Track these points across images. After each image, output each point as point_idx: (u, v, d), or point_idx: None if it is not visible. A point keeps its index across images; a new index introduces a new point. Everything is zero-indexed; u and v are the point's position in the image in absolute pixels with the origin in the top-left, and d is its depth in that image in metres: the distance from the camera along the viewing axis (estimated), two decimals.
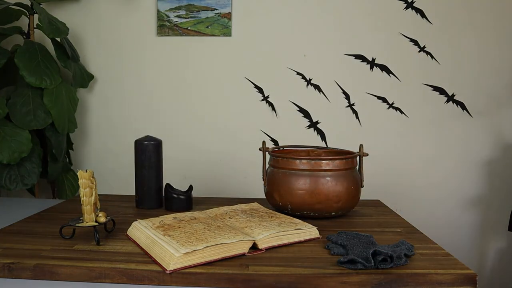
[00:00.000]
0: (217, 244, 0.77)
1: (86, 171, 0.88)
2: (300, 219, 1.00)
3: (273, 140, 1.74)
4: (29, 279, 0.74)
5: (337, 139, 1.73)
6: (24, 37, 1.60)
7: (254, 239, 0.82)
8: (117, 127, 1.77)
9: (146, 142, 1.15)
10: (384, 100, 1.71)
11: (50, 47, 1.59)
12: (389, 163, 1.73)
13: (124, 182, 1.64)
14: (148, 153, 1.15)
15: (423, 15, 1.67)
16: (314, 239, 0.93)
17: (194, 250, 0.74)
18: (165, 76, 1.74)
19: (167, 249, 0.76)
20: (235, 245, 0.80)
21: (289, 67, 1.72)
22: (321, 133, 1.73)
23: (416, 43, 1.68)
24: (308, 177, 1.06)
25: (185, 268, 0.74)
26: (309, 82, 1.72)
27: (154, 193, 1.16)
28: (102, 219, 0.88)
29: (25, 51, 1.45)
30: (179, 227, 0.88)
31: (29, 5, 1.55)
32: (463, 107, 1.70)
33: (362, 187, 1.15)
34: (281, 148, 1.30)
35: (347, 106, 1.72)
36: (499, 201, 1.72)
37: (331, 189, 1.03)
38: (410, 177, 1.73)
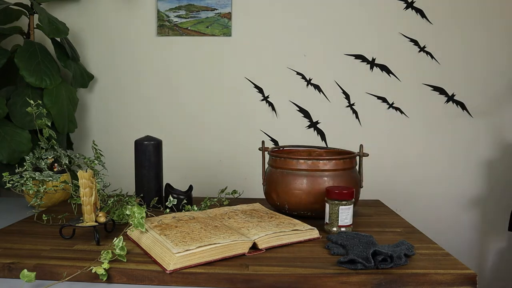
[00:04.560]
0: (210, 244, 0.77)
1: (86, 171, 0.88)
2: (297, 219, 1.00)
3: (273, 140, 1.74)
4: None
5: (337, 139, 1.73)
6: (24, 37, 1.60)
7: (249, 239, 0.82)
8: (117, 127, 1.77)
9: (146, 142, 1.15)
10: (384, 100, 1.71)
11: (50, 47, 1.59)
12: (389, 163, 1.73)
13: (124, 182, 1.64)
14: (148, 153, 1.15)
15: (423, 15, 1.67)
16: (314, 239, 0.93)
17: (187, 250, 0.74)
18: (165, 76, 1.74)
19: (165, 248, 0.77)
20: (233, 245, 0.80)
21: (289, 67, 1.72)
22: (321, 133, 1.73)
23: (416, 43, 1.68)
24: (305, 177, 1.06)
25: (185, 268, 0.74)
26: (309, 82, 1.72)
27: (154, 193, 1.16)
28: (102, 219, 0.89)
29: (25, 51, 1.45)
30: (176, 227, 0.88)
31: (29, 5, 1.55)
32: (463, 107, 1.70)
33: (361, 187, 1.15)
34: (281, 148, 1.30)
35: (347, 106, 1.72)
36: (499, 201, 1.72)
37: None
38: (410, 177, 1.73)
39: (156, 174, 1.16)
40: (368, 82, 1.71)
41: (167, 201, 1.11)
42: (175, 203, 1.10)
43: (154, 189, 1.16)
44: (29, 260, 0.77)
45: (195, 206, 1.11)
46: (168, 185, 1.18)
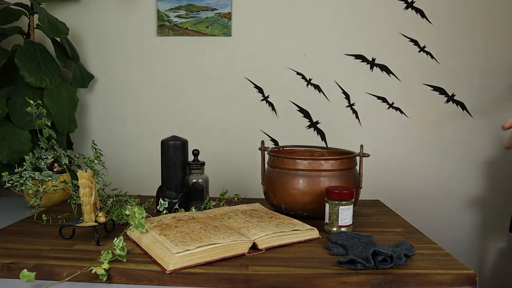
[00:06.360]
0: (210, 245, 0.77)
1: (86, 171, 0.88)
2: (295, 219, 1.00)
3: (273, 140, 1.74)
4: None
5: (337, 139, 1.73)
6: (24, 37, 1.60)
7: (249, 239, 0.82)
8: (117, 127, 1.77)
9: (171, 142, 1.15)
10: (384, 100, 1.71)
11: (50, 47, 1.58)
12: (389, 163, 1.73)
13: (124, 182, 1.64)
14: (174, 152, 1.15)
15: (423, 15, 1.67)
16: (314, 239, 0.93)
17: (186, 250, 0.74)
18: (165, 76, 1.74)
19: (165, 248, 0.76)
20: (233, 245, 0.80)
21: (289, 67, 1.72)
22: (321, 133, 1.72)
23: (416, 43, 1.68)
24: (301, 177, 1.06)
25: (185, 268, 0.74)
26: (309, 82, 1.72)
27: (177, 193, 1.14)
28: (102, 219, 0.89)
29: (25, 51, 1.45)
30: (176, 227, 0.88)
31: (29, 5, 1.55)
32: (463, 107, 1.70)
33: (361, 188, 1.14)
34: (281, 148, 1.30)
35: (347, 106, 1.72)
36: (499, 201, 1.72)
37: (324, 189, 1.02)
38: (410, 177, 1.73)
39: (181, 173, 1.15)
40: (368, 82, 1.71)
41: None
42: (166, 206, 1.08)
43: (176, 189, 1.15)
44: (28, 260, 0.77)
45: (193, 207, 1.09)
46: (161, 187, 1.16)
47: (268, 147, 1.22)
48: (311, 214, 1.06)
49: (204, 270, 0.74)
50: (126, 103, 1.76)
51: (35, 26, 1.58)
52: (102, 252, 0.75)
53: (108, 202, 1.08)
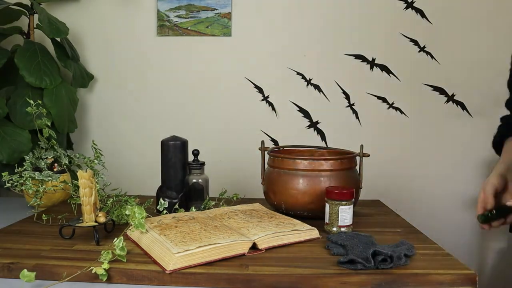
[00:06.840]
0: (210, 245, 0.77)
1: (86, 171, 0.88)
2: (295, 219, 1.00)
3: (273, 140, 1.74)
4: None
5: (337, 139, 1.73)
6: (24, 37, 1.60)
7: (249, 239, 0.82)
8: (117, 127, 1.77)
9: (172, 142, 1.15)
10: (384, 100, 1.71)
11: (50, 47, 1.58)
12: (389, 163, 1.73)
13: (124, 182, 1.64)
14: (175, 152, 1.15)
15: (423, 15, 1.67)
16: (314, 239, 0.93)
17: (186, 250, 0.74)
18: (165, 76, 1.74)
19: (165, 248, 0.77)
20: (233, 245, 0.80)
21: (289, 67, 1.72)
22: (321, 133, 1.72)
23: (416, 43, 1.68)
24: (301, 177, 1.06)
25: (185, 268, 0.74)
26: (309, 82, 1.72)
27: (178, 193, 1.14)
28: (102, 219, 0.89)
29: (25, 51, 1.45)
30: (176, 227, 0.88)
31: (29, 5, 1.55)
32: (463, 107, 1.70)
33: (361, 188, 1.14)
34: (280, 148, 1.30)
35: (347, 106, 1.72)
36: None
37: (324, 189, 1.02)
38: (410, 177, 1.73)
39: (181, 173, 1.15)
40: (368, 82, 1.71)
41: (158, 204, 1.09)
42: (166, 206, 1.08)
43: (176, 189, 1.15)
44: (29, 260, 0.77)
45: (193, 207, 1.10)
46: (161, 187, 1.16)
47: (268, 147, 1.22)
48: (311, 214, 1.06)
49: (204, 270, 0.74)
50: (126, 103, 1.76)
51: (35, 26, 1.58)
52: (102, 252, 0.75)
53: (108, 202, 1.08)
